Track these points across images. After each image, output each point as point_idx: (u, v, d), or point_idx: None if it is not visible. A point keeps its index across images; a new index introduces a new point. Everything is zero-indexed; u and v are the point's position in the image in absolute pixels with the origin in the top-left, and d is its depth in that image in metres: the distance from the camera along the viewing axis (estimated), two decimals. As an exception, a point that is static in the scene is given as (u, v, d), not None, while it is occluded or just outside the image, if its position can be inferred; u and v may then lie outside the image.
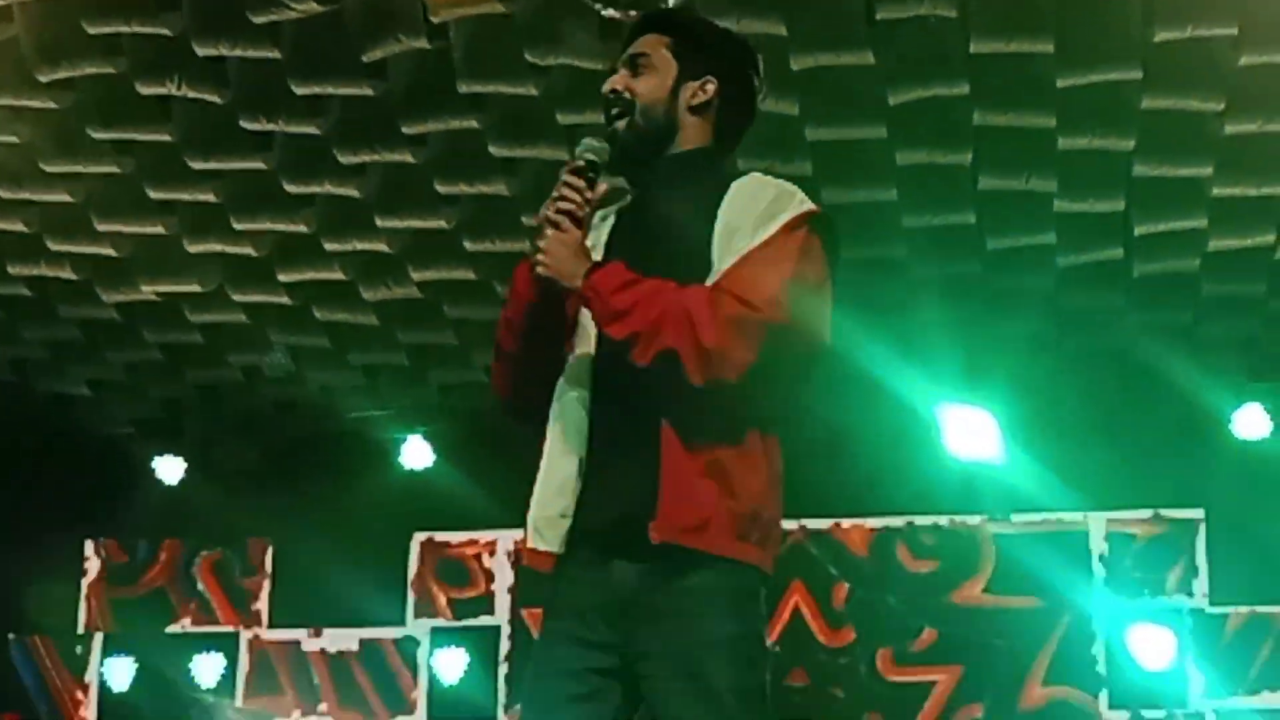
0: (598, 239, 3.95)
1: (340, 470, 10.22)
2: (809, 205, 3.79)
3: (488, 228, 8.28)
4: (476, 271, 8.62)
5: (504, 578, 10.22)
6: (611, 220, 4.00)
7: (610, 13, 6.83)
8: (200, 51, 7.05)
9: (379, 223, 8.26)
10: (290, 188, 7.95)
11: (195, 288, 8.89)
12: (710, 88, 3.93)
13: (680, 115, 3.92)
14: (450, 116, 7.45)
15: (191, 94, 7.31)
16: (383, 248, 8.43)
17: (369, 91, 7.25)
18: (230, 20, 6.87)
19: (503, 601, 10.21)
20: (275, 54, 7.08)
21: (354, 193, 7.95)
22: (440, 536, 10.33)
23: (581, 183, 3.81)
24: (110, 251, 8.55)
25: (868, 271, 8.55)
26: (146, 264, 8.72)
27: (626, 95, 3.92)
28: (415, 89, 7.32)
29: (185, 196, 8.11)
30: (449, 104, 7.35)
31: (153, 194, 8.09)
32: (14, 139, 7.67)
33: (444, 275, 8.69)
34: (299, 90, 7.25)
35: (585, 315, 3.81)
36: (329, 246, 8.45)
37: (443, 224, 8.23)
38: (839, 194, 7.86)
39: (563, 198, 3.79)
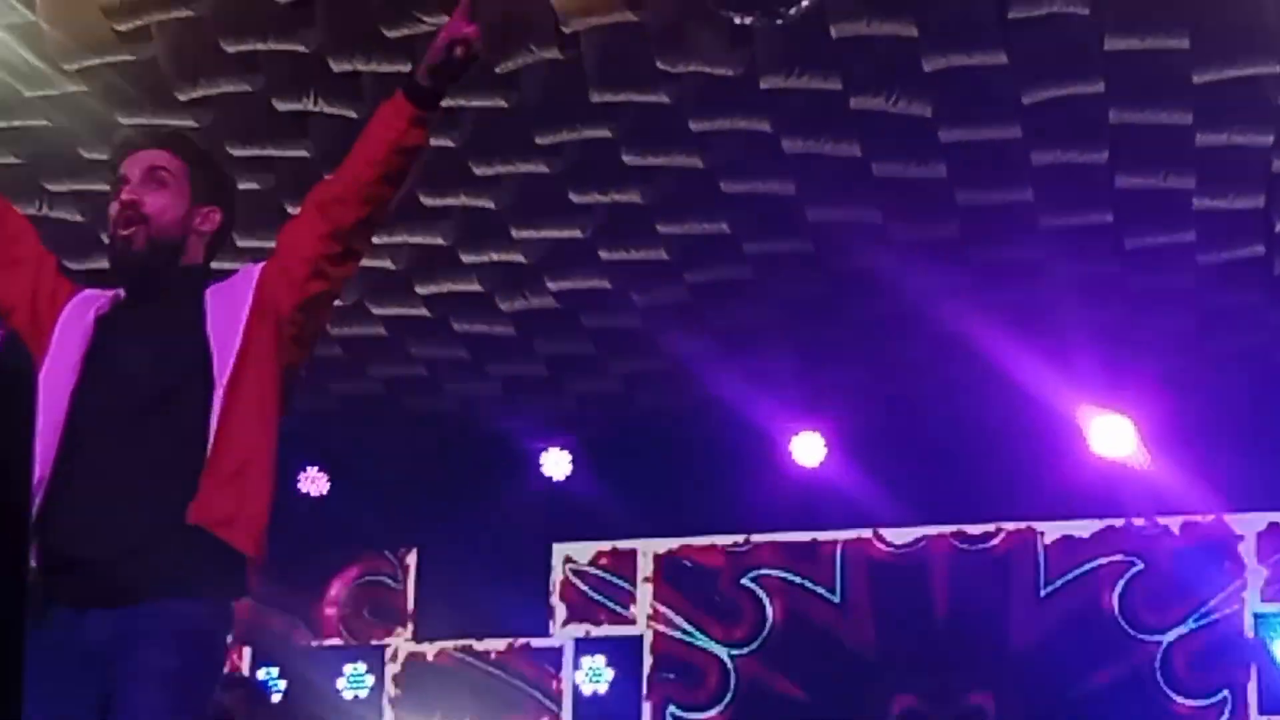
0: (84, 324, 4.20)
1: (481, 481, 10.28)
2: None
3: (622, 236, 8.32)
4: (612, 280, 8.65)
5: (645, 587, 10.23)
6: (103, 312, 4.24)
7: (741, 19, 6.83)
8: (336, 68, 7.14)
9: (514, 234, 8.31)
10: (427, 200, 8.02)
11: (335, 302, 8.95)
12: (216, 217, 4.33)
13: (189, 237, 4.26)
14: (583, 126, 7.49)
15: (328, 110, 7.39)
16: (519, 258, 8.47)
17: (502, 103, 7.30)
18: (365, 36, 6.95)
19: (644, 611, 10.22)
20: (408, 68, 7.13)
21: (489, 204, 8.00)
22: (580, 546, 10.36)
23: None
24: (251, 267, 8.65)
25: (1005, 272, 8.50)
26: (287, 279, 8.80)
27: (141, 209, 4.19)
28: (548, 99, 7.36)
29: (324, 212, 8.18)
30: (581, 113, 7.38)
31: (292, 210, 8.17)
32: (155, 158, 7.78)
33: (580, 284, 8.73)
34: (433, 103, 7.30)
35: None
36: (465, 258, 8.51)
37: (577, 233, 8.27)
38: (974, 195, 7.83)
39: None
